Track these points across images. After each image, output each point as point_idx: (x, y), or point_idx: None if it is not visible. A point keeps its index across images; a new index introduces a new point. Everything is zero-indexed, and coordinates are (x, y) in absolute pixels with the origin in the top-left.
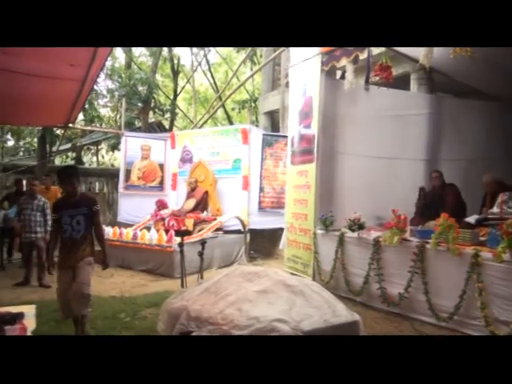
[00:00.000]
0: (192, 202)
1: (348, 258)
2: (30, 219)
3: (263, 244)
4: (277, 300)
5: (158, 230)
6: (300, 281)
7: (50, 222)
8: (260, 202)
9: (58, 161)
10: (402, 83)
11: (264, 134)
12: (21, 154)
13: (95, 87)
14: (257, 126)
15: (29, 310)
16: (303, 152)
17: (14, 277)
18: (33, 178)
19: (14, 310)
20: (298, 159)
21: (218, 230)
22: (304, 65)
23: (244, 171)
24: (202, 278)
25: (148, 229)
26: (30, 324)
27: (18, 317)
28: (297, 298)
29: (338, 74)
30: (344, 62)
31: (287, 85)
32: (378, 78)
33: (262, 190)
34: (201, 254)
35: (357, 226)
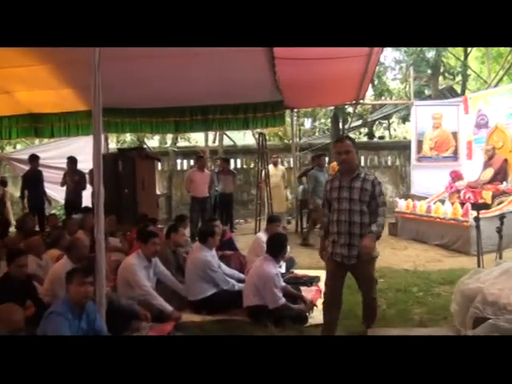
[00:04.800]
0: (489, 172)
1: None
2: None
3: None
4: None
5: (452, 203)
6: None
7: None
8: None
9: None
10: None
11: None
12: (316, 133)
13: (383, 61)
14: None
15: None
16: None
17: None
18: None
19: (311, 273)
20: None
21: None
22: None
23: None
24: (500, 257)
25: (442, 202)
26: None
27: (315, 280)
28: None
29: None
30: None
31: None
32: None
33: None
34: (499, 231)
35: None
